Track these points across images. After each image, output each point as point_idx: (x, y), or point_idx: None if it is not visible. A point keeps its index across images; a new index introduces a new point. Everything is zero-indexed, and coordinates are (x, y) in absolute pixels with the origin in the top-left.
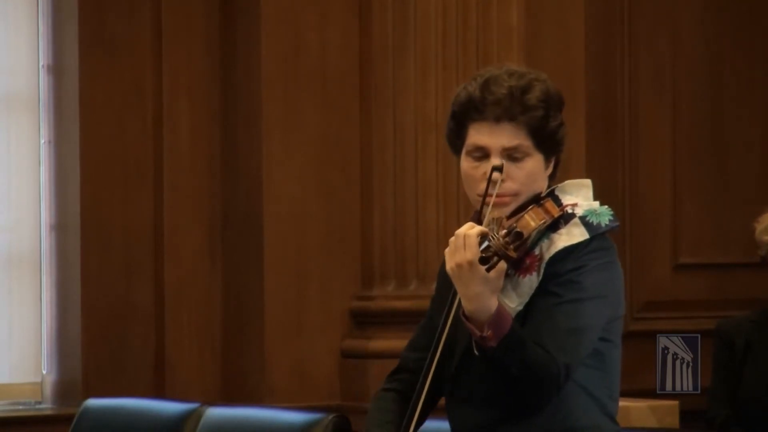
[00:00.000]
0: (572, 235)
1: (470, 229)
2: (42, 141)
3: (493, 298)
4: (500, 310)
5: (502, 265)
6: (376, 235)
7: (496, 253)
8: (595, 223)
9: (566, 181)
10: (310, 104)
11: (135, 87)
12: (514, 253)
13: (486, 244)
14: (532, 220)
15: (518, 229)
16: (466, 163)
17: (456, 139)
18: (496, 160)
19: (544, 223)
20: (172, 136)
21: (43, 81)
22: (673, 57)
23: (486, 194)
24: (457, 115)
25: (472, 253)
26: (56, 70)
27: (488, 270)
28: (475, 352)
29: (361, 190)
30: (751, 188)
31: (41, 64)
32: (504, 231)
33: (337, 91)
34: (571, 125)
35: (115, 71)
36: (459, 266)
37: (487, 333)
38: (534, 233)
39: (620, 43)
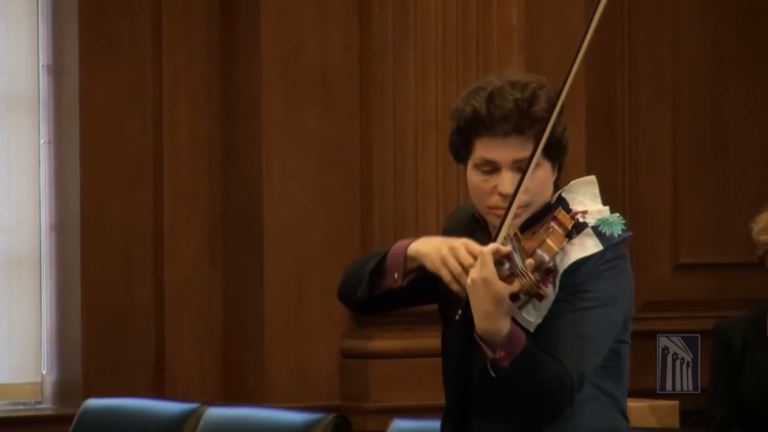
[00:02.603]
0: (585, 246)
1: (486, 247)
2: (42, 141)
3: (505, 319)
4: (513, 331)
5: None
6: (376, 235)
7: (528, 293)
8: (607, 234)
9: (572, 182)
10: (310, 104)
11: (135, 87)
12: (545, 291)
13: (508, 266)
14: (554, 244)
15: (549, 265)
16: (474, 176)
17: (462, 150)
18: (507, 177)
19: (564, 243)
20: (172, 136)
21: (43, 81)
22: (673, 57)
23: (506, 214)
24: (463, 130)
25: (487, 270)
26: (56, 70)
27: (519, 308)
28: (491, 373)
29: (361, 190)
30: (751, 188)
31: (41, 64)
32: (531, 263)
33: (337, 91)
34: (571, 125)
35: (115, 71)
36: (473, 281)
37: (500, 354)
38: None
39: (620, 43)
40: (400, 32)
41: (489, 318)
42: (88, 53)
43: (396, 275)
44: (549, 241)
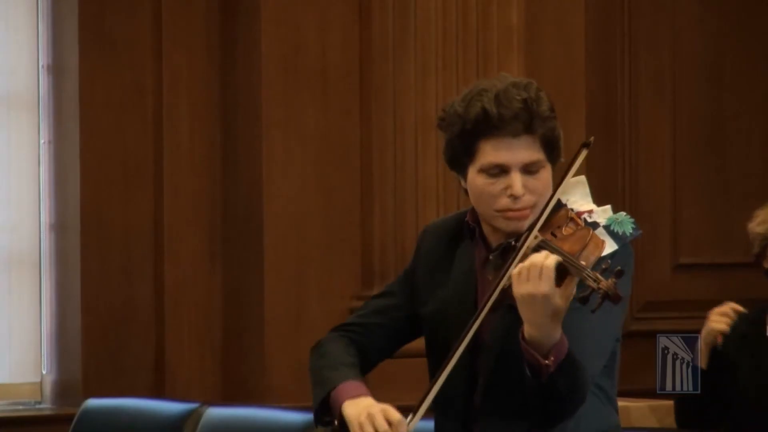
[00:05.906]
0: None
1: (546, 259)
2: (42, 141)
3: (558, 326)
4: (561, 336)
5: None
6: (376, 235)
7: (606, 295)
8: (620, 233)
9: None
10: (310, 104)
11: (135, 87)
12: (620, 293)
13: (578, 280)
14: (597, 247)
15: (619, 267)
16: (480, 180)
17: (464, 156)
18: (517, 178)
19: (601, 244)
20: (172, 136)
21: (43, 81)
22: (673, 57)
23: (540, 215)
24: (468, 132)
25: (549, 286)
26: (56, 70)
27: (593, 311)
28: (528, 374)
29: (361, 190)
30: (752, 188)
31: (41, 64)
32: (606, 268)
33: (337, 91)
34: (572, 125)
35: (115, 71)
36: (532, 296)
37: (550, 359)
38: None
39: (620, 43)
40: (400, 32)
41: (545, 327)
42: (88, 53)
43: (336, 422)
44: (591, 245)
